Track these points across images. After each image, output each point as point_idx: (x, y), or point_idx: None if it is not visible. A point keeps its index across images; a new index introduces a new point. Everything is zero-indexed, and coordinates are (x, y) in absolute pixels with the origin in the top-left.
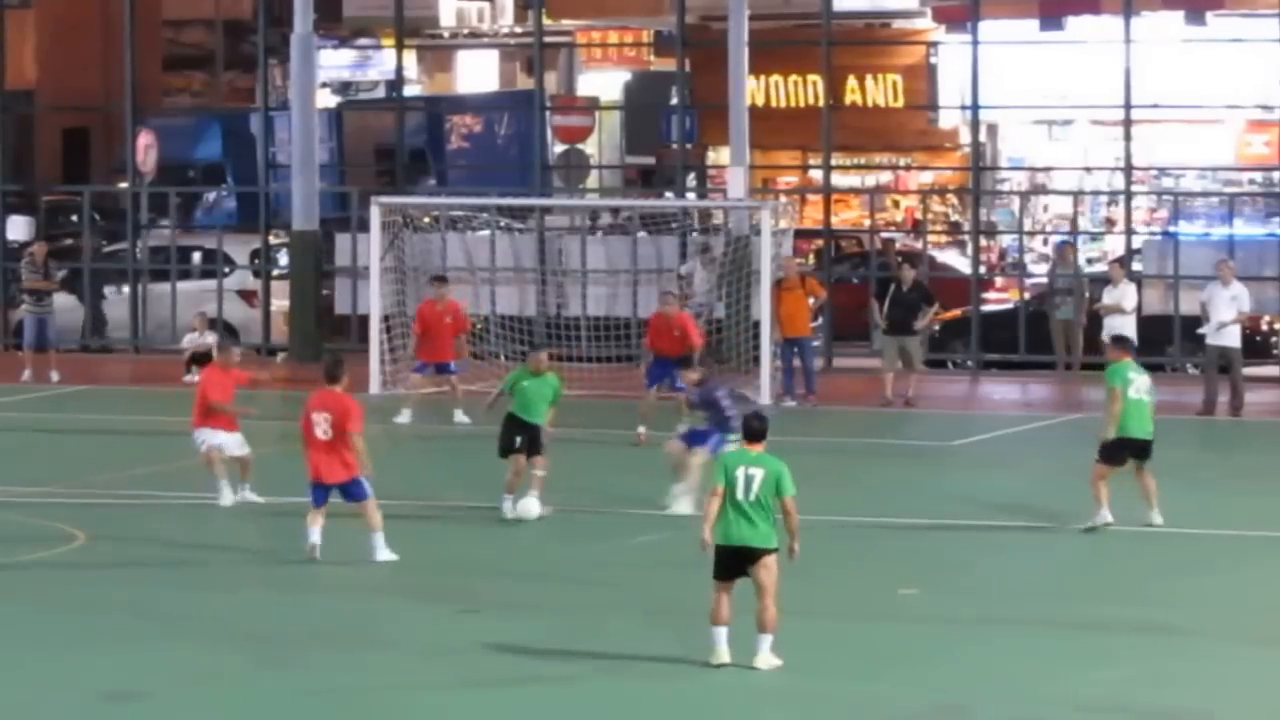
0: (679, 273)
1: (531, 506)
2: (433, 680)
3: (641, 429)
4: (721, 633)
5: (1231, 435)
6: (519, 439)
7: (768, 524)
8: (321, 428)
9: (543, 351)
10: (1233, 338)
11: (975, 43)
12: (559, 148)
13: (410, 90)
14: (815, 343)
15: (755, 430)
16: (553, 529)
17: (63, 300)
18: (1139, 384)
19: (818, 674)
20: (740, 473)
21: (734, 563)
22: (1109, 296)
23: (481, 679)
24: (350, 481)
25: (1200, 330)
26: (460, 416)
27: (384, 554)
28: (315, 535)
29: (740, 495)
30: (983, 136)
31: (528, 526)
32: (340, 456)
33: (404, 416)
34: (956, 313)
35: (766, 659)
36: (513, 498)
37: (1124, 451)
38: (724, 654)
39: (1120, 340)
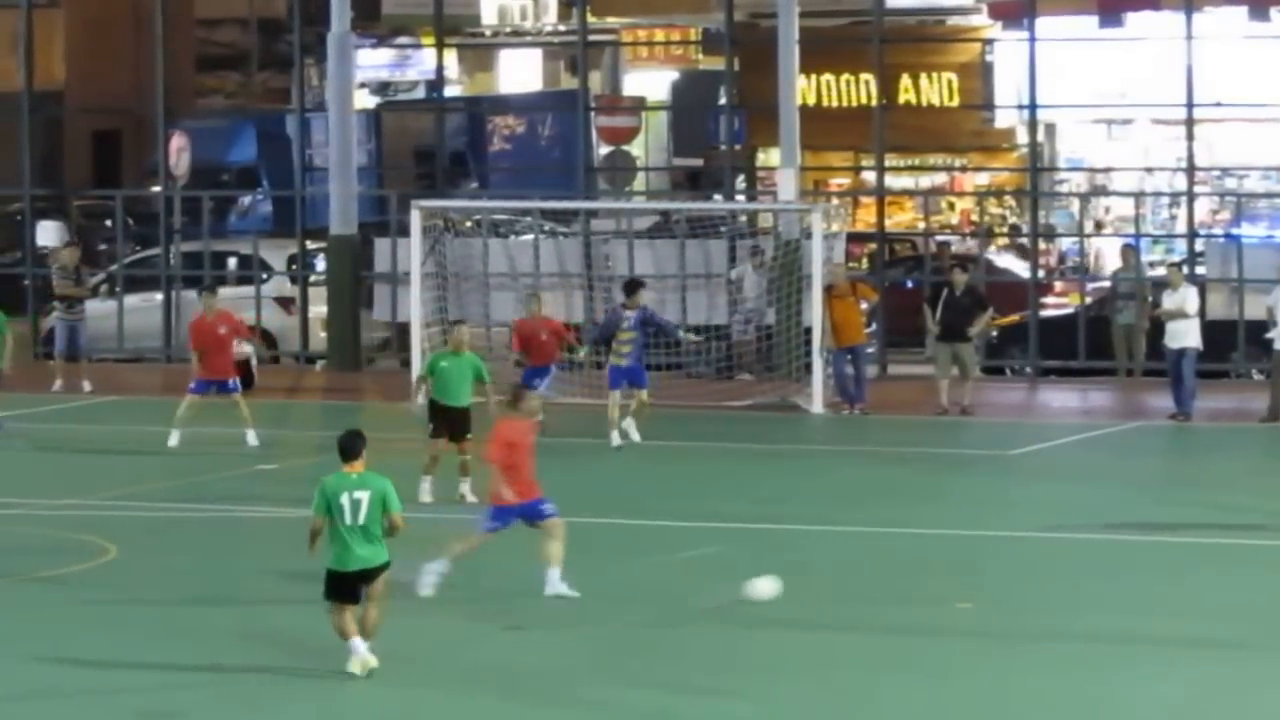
0: (729, 277)
1: (465, 492)
2: (474, 700)
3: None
4: (358, 641)
5: None
6: (441, 426)
7: (379, 543)
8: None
9: (464, 327)
10: None
11: (1032, 40)
12: (604, 149)
13: (451, 90)
14: (870, 349)
15: (353, 449)
16: (595, 543)
17: (95, 307)
18: None
19: (872, 689)
20: (345, 499)
21: (354, 586)
22: (1169, 301)
23: (524, 699)
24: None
25: (1268, 335)
26: (252, 439)
27: (429, 577)
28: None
29: (349, 520)
30: (1040, 136)
31: (575, 540)
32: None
33: (174, 439)
34: (1014, 318)
35: (365, 660)
36: (430, 480)
37: None
38: (369, 659)
39: None
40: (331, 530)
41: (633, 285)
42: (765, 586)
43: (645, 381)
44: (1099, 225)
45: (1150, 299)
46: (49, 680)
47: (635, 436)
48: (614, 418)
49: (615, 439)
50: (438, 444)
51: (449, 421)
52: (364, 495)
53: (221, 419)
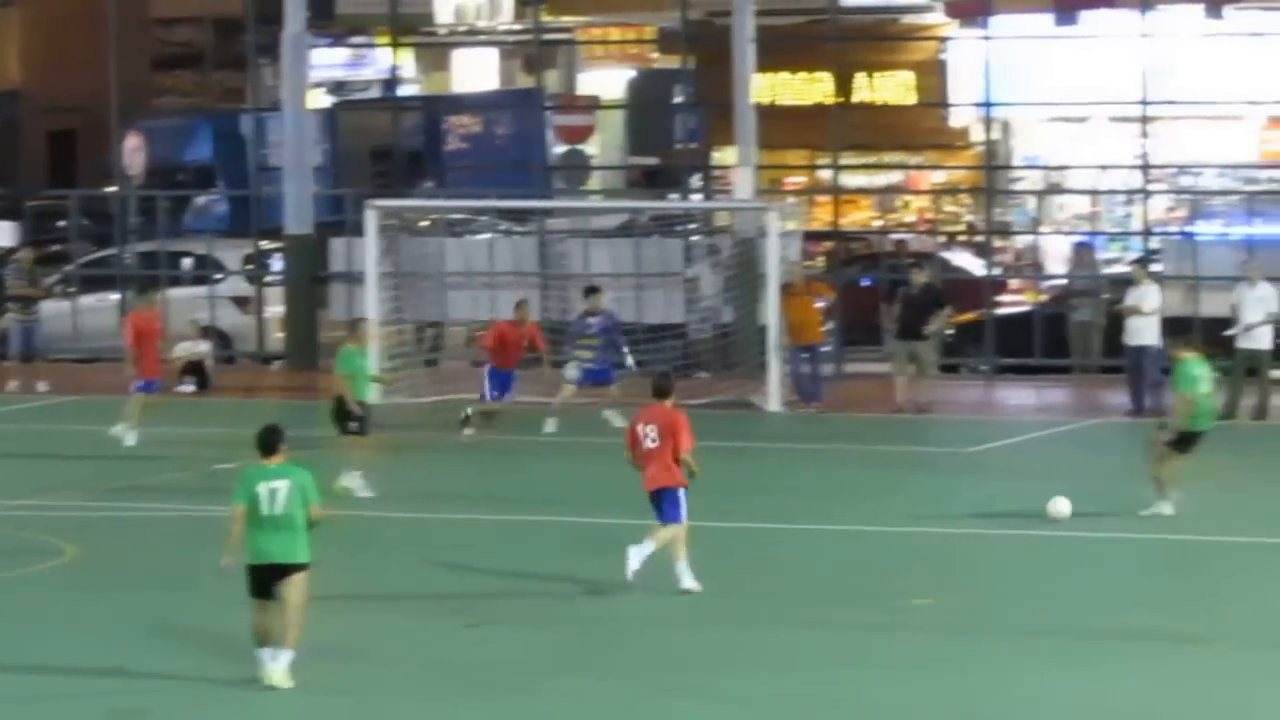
0: (685, 275)
1: (354, 483)
2: (436, 698)
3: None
4: (267, 653)
5: (1254, 440)
6: (353, 423)
7: (299, 539)
8: (649, 437)
9: (371, 321)
10: (1261, 340)
11: (988, 38)
12: (560, 148)
13: (406, 90)
14: (826, 348)
15: (270, 443)
16: (556, 541)
17: (51, 307)
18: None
19: (831, 684)
20: (263, 488)
21: (266, 581)
22: (1131, 298)
23: (486, 697)
24: (668, 490)
25: (1228, 332)
26: (130, 439)
27: (689, 582)
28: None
29: (266, 509)
30: (996, 134)
31: (531, 538)
32: (666, 463)
33: (130, 439)
34: (971, 315)
35: (282, 676)
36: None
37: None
38: (272, 674)
39: (1182, 334)
40: (249, 523)
41: (591, 290)
42: (1064, 506)
43: (611, 379)
44: (1054, 223)
45: (1108, 296)
46: (7, 684)
47: (617, 423)
48: (557, 407)
49: (550, 426)
50: (367, 440)
51: (364, 417)
52: (281, 484)
53: (173, 419)
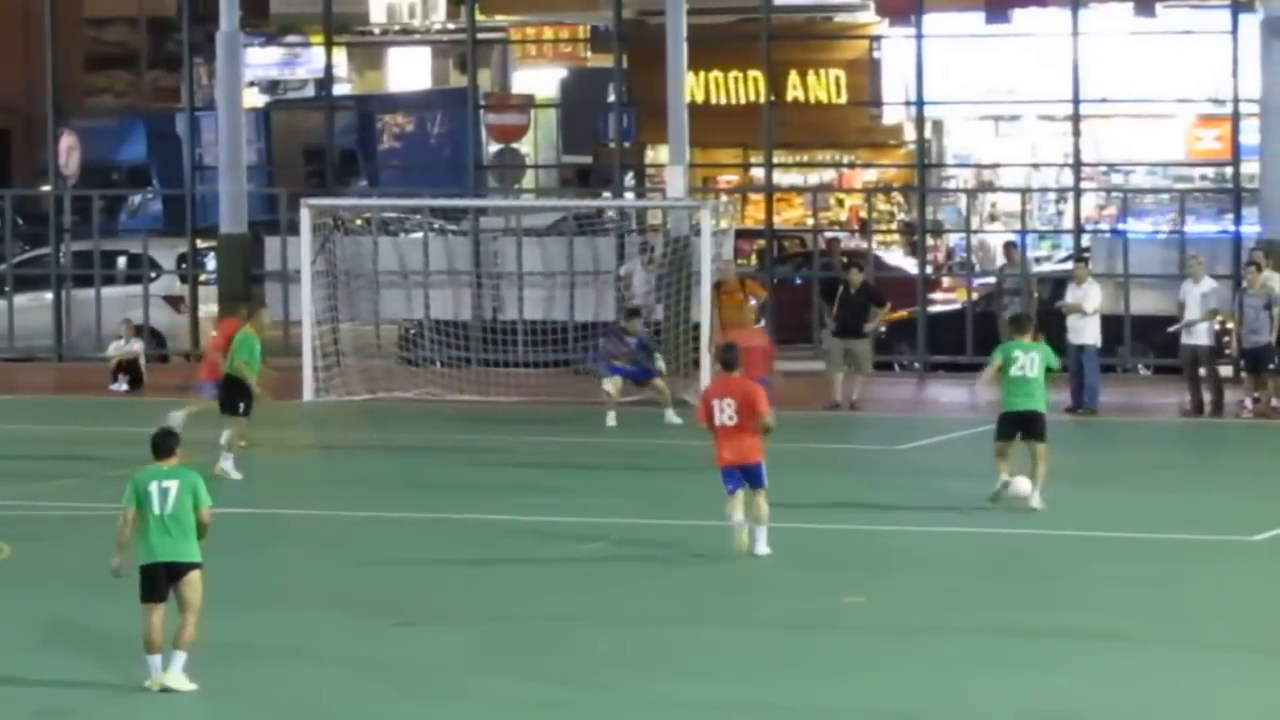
0: (618, 274)
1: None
2: (368, 697)
3: None
4: (157, 660)
5: (1190, 436)
6: (242, 404)
7: (190, 539)
8: (726, 414)
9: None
10: (1202, 336)
11: (919, 36)
12: (493, 147)
13: (340, 89)
14: None
15: (164, 446)
16: (495, 538)
17: None
18: (1023, 361)
19: (761, 685)
20: (153, 487)
21: (161, 581)
22: (1072, 296)
23: (418, 696)
24: (755, 465)
25: (1172, 329)
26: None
27: (763, 548)
28: (740, 517)
29: (156, 509)
30: (928, 133)
31: (459, 536)
32: (747, 440)
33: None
34: (903, 314)
35: (179, 680)
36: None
37: (1009, 426)
38: (162, 679)
39: (1015, 320)
40: (141, 524)
41: (632, 313)
42: (1025, 485)
43: (650, 375)
44: (990, 218)
45: (1036, 294)
46: None
47: (676, 421)
48: (611, 399)
49: (611, 419)
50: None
51: (251, 398)
52: (172, 484)
53: (107, 418)
